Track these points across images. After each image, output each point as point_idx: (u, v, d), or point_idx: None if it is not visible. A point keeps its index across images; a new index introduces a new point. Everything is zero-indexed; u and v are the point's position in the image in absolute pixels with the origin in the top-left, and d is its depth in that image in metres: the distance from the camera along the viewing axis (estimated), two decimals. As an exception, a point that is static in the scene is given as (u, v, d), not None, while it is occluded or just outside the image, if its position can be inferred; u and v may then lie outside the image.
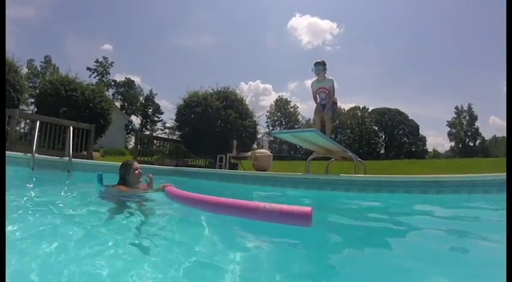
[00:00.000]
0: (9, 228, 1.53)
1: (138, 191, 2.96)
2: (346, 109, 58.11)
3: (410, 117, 55.48)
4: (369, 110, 57.79)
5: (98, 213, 2.23)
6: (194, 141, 10.98)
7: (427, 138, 58.10)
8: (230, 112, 11.00)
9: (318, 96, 5.51)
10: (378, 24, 74.37)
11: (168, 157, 10.96)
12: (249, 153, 9.23)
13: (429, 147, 59.78)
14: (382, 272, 1.34)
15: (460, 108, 58.50)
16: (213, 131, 10.78)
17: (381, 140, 56.75)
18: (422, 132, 56.85)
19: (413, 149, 53.86)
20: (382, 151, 55.20)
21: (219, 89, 11.83)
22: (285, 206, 1.72)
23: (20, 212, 2.04)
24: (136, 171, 3.03)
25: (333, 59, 73.78)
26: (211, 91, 11.73)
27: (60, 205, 2.46)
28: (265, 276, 1.28)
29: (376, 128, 56.22)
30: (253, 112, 12.19)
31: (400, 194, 3.58)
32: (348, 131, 55.15)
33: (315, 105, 5.53)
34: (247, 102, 12.21)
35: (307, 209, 1.64)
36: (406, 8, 68.69)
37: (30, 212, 2.16)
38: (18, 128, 9.44)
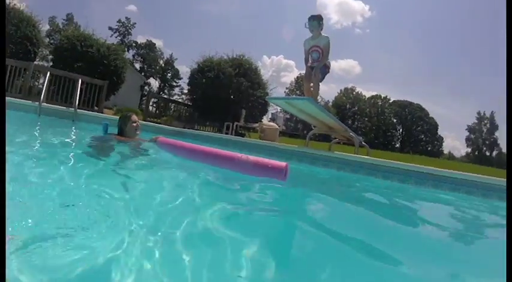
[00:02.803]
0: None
1: (131, 140, 3.07)
2: (367, 96, 56.62)
3: (430, 115, 53.87)
4: (390, 101, 56.16)
5: (87, 155, 2.43)
6: (204, 105, 10.92)
7: (444, 140, 56.53)
8: (242, 80, 10.79)
9: (310, 57, 4.57)
10: (413, 14, 70.93)
11: (177, 120, 10.95)
12: (257, 125, 9.19)
13: (445, 149, 58.30)
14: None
15: (482, 114, 56.22)
16: (223, 98, 10.66)
17: (398, 133, 55.50)
18: (440, 132, 55.41)
19: (429, 148, 52.68)
20: (397, 145, 54.09)
21: (234, 56, 11.56)
22: (261, 159, 1.79)
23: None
24: (134, 124, 3.14)
25: (360, 42, 71.55)
26: (226, 58, 11.48)
27: (56, 146, 2.68)
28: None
29: (395, 120, 54.86)
30: (267, 83, 11.92)
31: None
32: (366, 119, 53.98)
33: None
34: (266, 76, 11.96)
35: (282, 163, 1.71)
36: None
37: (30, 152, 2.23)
38: (37, 83, 9.96)
